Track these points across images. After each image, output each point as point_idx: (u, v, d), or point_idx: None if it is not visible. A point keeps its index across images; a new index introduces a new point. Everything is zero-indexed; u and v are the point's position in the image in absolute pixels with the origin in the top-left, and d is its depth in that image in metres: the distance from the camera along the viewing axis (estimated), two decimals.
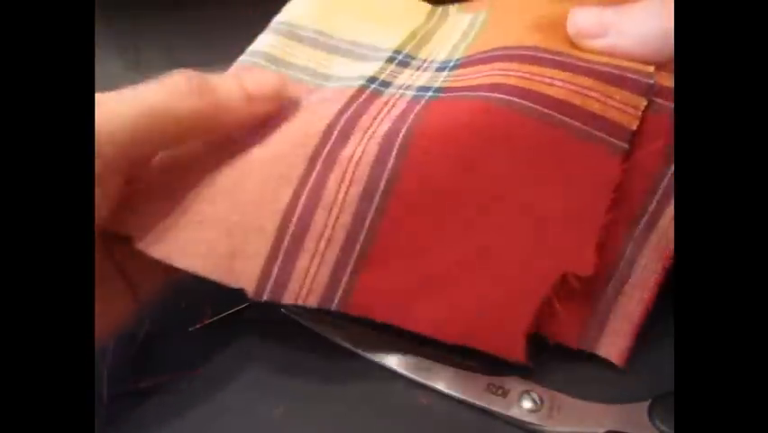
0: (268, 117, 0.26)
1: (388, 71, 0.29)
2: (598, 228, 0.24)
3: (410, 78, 0.29)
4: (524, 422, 0.25)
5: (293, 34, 0.30)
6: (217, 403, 0.26)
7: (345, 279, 0.25)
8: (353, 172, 0.24)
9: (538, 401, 0.25)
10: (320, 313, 0.28)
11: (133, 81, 0.23)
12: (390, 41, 0.31)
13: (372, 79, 0.28)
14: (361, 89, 0.28)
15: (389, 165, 0.24)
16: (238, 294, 0.24)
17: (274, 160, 0.25)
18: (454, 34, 0.31)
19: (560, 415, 0.25)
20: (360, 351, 0.27)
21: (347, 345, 0.27)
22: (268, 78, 0.25)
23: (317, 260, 0.24)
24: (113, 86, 0.22)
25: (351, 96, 0.27)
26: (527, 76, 0.24)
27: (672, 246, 0.25)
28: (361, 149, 0.25)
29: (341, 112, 0.26)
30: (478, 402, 0.25)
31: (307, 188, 0.24)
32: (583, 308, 0.26)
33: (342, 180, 0.24)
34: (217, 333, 0.29)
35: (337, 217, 0.24)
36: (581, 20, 0.26)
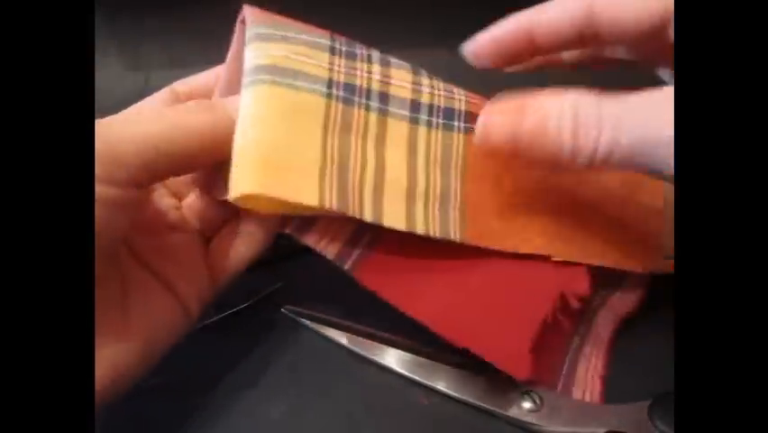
0: None
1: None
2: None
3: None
4: (524, 422, 0.25)
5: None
6: (217, 403, 0.26)
7: (364, 242, 0.25)
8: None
9: (538, 401, 0.25)
10: (320, 312, 0.28)
11: (133, 81, 0.23)
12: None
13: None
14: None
15: None
16: (237, 295, 0.24)
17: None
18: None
19: (560, 415, 0.25)
20: (360, 351, 0.27)
21: (347, 345, 0.27)
22: None
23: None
24: (113, 86, 0.22)
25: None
26: None
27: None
28: None
29: None
30: (478, 402, 0.25)
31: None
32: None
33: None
34: (217, 333, 0.29)
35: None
36: (492, 124, 0.23)
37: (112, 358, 0.22)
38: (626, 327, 0.28)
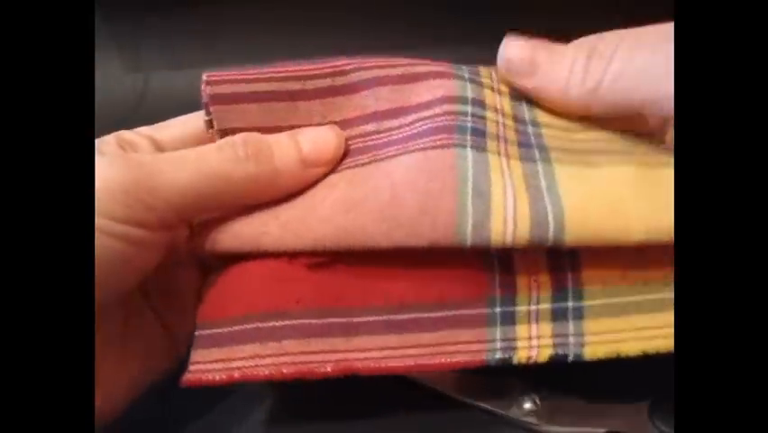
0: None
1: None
2: None
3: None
4: (524, 422, 0.25)
5: None
6: (217, 403, 0.26)
7: None
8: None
9: (538, 401, 0.25)
10: None
11: (133, 82, 0.23)
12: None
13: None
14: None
15: None
16: None
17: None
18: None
19: (560, 415, 0.25)
20: None
21: None
22: (326, 139, 0.24)
23: None
24: (113, 86, 0.22)
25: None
26: None
27: None
28: None
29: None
30: (478, 402, 0.25)
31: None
32: None
33: None
34: None
35: None
36: (514, 54, 0.24)
37: (99, 405, 0.22)
38: None
